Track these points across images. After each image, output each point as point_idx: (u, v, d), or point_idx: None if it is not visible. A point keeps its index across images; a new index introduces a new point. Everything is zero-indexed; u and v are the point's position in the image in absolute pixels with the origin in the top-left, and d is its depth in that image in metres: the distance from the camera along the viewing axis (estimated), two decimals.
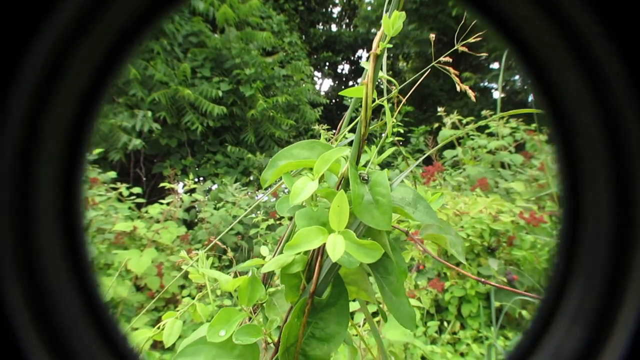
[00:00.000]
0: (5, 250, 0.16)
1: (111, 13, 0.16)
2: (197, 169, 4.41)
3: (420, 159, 0.51)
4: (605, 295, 0.17)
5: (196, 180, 3.93)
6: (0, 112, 0.15)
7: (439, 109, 2.81)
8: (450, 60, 0.53)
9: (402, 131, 3.02)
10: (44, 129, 0.16)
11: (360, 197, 0.39)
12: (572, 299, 0.18)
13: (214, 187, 3.60)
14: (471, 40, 0.54)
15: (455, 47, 0.51)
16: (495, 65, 5.72)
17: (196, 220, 2.81)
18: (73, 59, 0.16)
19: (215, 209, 2.83)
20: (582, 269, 0.18)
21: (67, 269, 0.18)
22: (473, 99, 0.53)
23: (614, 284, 0.17)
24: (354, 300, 0.49)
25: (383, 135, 0.51)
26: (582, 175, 0.18)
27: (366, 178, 0.41)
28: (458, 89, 0.51)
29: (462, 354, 1.27)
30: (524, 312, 1.26)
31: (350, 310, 0.43)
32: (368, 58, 0.41)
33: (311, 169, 0.40)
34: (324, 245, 0.37)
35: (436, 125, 3.02)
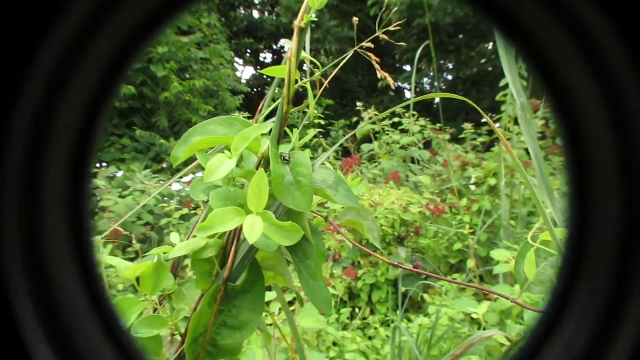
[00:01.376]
0: (12, 246, 0.16)
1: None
2: (99, 153, 4.00)
3: (338, 144, 0.51)
4: (613, 294, 0.17)
5: (97, 165, 3.56)
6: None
7: (358, 104, 2.90)
8: (372, 46, 0.54)
9: (322, 123, 3.06)
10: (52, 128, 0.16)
11: (281, 177, 0.37)
12: (579, 300, 0.18)
13: (120, 173, 3.30)
14: (385, 37, 0.55)
15: (376, 34, 0.52)
16: (407, 67, 6.09)
17: (97, 209, 2.55)
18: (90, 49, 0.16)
19: (120, 197, 2.59)
20: (589, 268, 0.18)
21: (73, 265, 0.18)
22: (392, 86, 0.54)
23: (621, 283, 0.17)
24: (269, 289, 0.48)
25: (306, 121, 0.50)
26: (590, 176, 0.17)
27: (288, 158, 0.40)
28: (379, 75, 0.51)
29: (370, 338, 1.33)
30: (426, 296, 1.37)
31: (267, 299, 0.41)
32: (292, 38, 0.40)
33: (229, 148, 0.37)
34: (240, 227, 0.34)
35: (355, 119, 3.11)
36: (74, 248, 0.18)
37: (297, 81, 0.47)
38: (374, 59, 0.54)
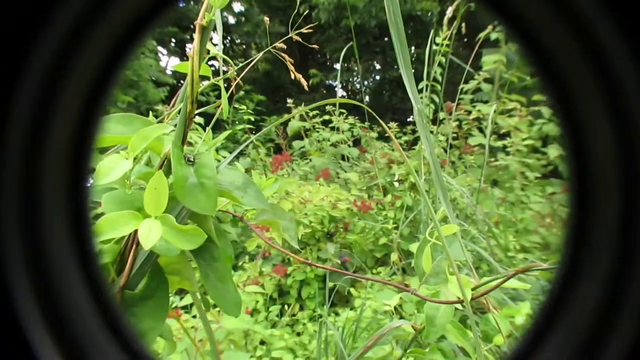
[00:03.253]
0: (12, 244, 0.16)
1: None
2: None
3: (240, 148, 0.51)
4: (611, 289, 0.17)
5: None
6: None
7: (289, 101, 2.91)
8: (285, 47, 0.54)
9: (253, 119, 3.01)
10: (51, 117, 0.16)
11: (183, 179, 0.36)
12: (578, 294, 0.17)
13: None
14: (305, 30, 0.56)
15: (289, 36, 0.52)
16: (338, 66, 6.23)
17: None
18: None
19: None
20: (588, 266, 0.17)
21: (74, 259, 0.17)
22: (306, 87, 0.55)
23: (619, 279, 0.17)
24: (178, 294, 0.46)
25: (234, 121, 0.49)
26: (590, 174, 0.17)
27: (192, 159, 0.38)
28: (292, 76, 0.52)
29: (298, 334, 1.35)
30: (352, 290, 1.43)
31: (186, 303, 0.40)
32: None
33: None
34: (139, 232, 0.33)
35: (286, 116, 3.11)
36: (76, 248, 0.17)
37: (209, 78, 0.45)
38: (287, 59, 0.55)
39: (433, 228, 0.50)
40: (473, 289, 0.47)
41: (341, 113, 2.71)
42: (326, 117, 2.81)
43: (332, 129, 2.78)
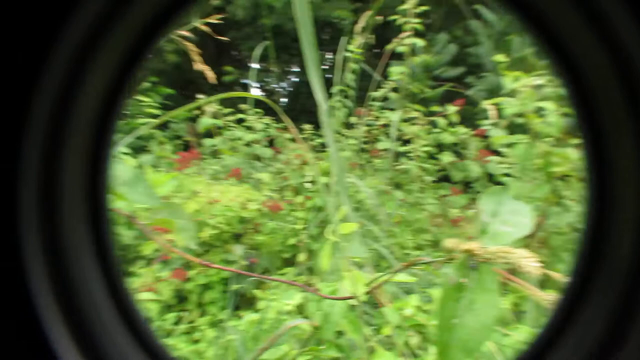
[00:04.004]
0: (35, 251, 0.16)
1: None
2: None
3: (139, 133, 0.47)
4: (629, 286, 0.17)
5: None
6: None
7: (200, 96, 2.78)
8: (192, 36, 0.52)
9: (158, 114, 2.82)
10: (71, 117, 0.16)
11: None
12: (596, 292, 0.17)
13: None
14: (214, 21, 0.54)
15: (194, 25, 0.50)
16: (254, 65, 6.14)
17: None
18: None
19: None
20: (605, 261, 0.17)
21: (96, 267, 0.18)
22: (210, 80, 0.53)
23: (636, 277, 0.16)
24: None
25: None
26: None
27: None
28: (194, 67, 0.50)
29: (196, 341, 1.29)
30: (257, 291, 1.41)
31: None
32: None
33: None
34: None
35: (196, 111, 2.97)
36: (95, 246, 0.17)
37: None
38: (191, 49, 0.52)
39: (335, 226, 0.51)
40: (367, 284, 0.50)
41: (256, 112, 2.68)
42: (240, 116, 2.75)
43: (247, 128, 2.73)
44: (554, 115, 1.17)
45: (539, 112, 1.21)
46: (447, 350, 0.34)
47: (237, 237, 1.77)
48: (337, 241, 0.46)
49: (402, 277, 0.51)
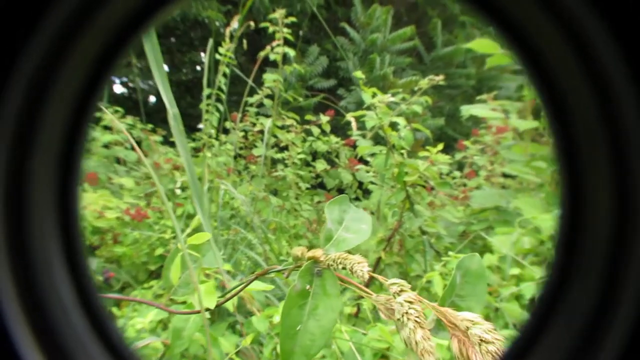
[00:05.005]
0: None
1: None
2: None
3: None
4: (604, 289, 0.16)
5: None
6: None
7: None
8: None
9: None
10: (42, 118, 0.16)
11: None
12: (571, 295, 0.17)
13: None
14: None
15: None
16: None
17: None
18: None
19: None
20: (581, 262, 0.17)
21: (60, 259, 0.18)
22: None
23: (613, 278, 0.16)
24: None
25: None
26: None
27: None
28: None
29: None
30: (114, 309, 1.28)
31: None
32: None
33: None
34: None
35: None
36: (64, 247, 0.18)
37: None
38: None
39: (188, 236, 0.49)
40: (223, 295, 0.49)
41: (116, 111, 2.43)
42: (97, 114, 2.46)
43: (105, 128, 2.46)
44: (405, 130, 1.33)
45: (394, 126, 1.36)
46: (289, 357, 0.35)
47: (91, 250, 1.57)
48: (188, 252, 0.45)
49: (257, 285, 0.51)
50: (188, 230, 0.48)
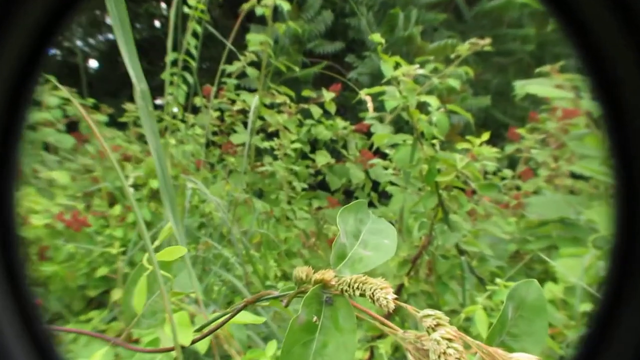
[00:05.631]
0: None
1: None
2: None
3: None
4: None
5: None
6: None
7: None
8: None
9: None
10: None
11: None
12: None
13: None
14: None
15: None
16: None
17: None
18: None
19: None
20: None
21: None
22: None
23: None
24: None
25: None
26: None
27: None
28: None
29: None
30: None
31: None
32: None
33: None
34: None
35: None
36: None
37: None
38: None
39: (154, 251, 0.51)
40: (199, 330, 0.51)
41: (46, 80, 2.44)
42: None
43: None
44: (438, 113, 1.35)
45: (423, 107, 1.38)
46: None
47: None
48: (157, 272, 0.46)
49: (245, 317, 0.53)
50: (157, 243, 0.50)
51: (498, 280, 0.97)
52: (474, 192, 1.61)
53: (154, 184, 2.02)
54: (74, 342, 1.27)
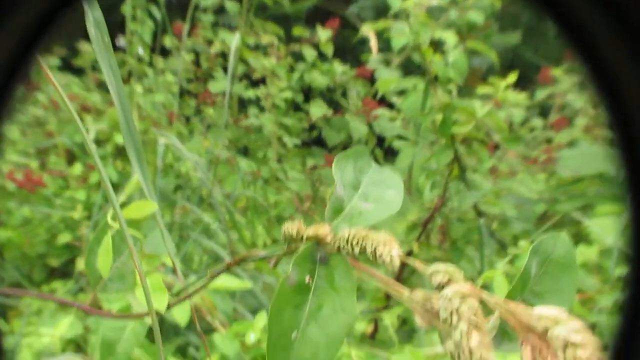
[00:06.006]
0: None
1: None
2: None
3: None
4: None
5: None
6: None
7: None
8: None
9: None
10: None
11: None
12: None
13: None
14: None
15: None
16: None
17: None
18: None
19: None
20: None
21: None
22: None
23: None
24: None
25: None
26: None
27: None
28: None
29: None
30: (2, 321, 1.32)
31: None
32: None
33: None
34: None
35: None
36: None
37: None
38: None
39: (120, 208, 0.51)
40: (176, 294, 0.52)
41: None
42: None
43: None
44: (456, 52, 1.34)
45: (438, 46, 1.36)
46: None
47: None
48: (124, 229, 0.47)
49: (228, 282, 0.54)
50: (122, 198, 0.50)
51: (522, 243, 0.98)
52: (496, 146, 1.61)
53: (120, 138, 2.01)
54: (37, 315, 1.29)
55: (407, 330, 1.38)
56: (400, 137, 1.85)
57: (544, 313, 0.28)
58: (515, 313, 0.30)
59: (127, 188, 0.52)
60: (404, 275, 1.34)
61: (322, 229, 0.42)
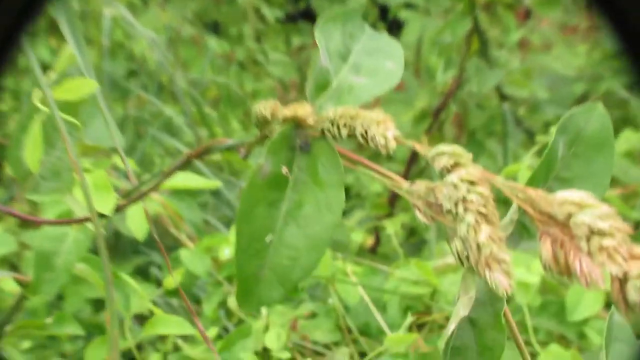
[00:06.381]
0: None
1: None
2: None
3: None
4: None
5: None
6: None
7: None
8: None
9: None
10: None
11: None
12: None
13: None
14: None
15: None
16: None
17: None
18: None
19: None
20: None
21: None
22: None
23: None
24: None
25: None
26: None
27: None
28: None
29: None
30: None
31: None
32: None
33: None
34: None
35: None
36: None
37: None
38: None
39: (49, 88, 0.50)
40: (126, 195, 0.52)
41: None
42: None
43: None
44: None
45: None
46: (252, 287, 0.39)
47: None
48: (55, 114, 0.46)
49: (191, 179, 0.54)
50: (53, 75, 0.49)
51: (553, 129, 0.97)
52: (527, 12, 1.58)
53: (52, 9, 1.96)
54: None
55: (415, 243, 1.41)
56: (408, 5, 1.82)
57: (568, 197, 0.28)
58: (534, 200, 0.30)
59: (58, 64, 0.51)
60: (412, 176, 1.36)
61: (303, 109, 0.42)
